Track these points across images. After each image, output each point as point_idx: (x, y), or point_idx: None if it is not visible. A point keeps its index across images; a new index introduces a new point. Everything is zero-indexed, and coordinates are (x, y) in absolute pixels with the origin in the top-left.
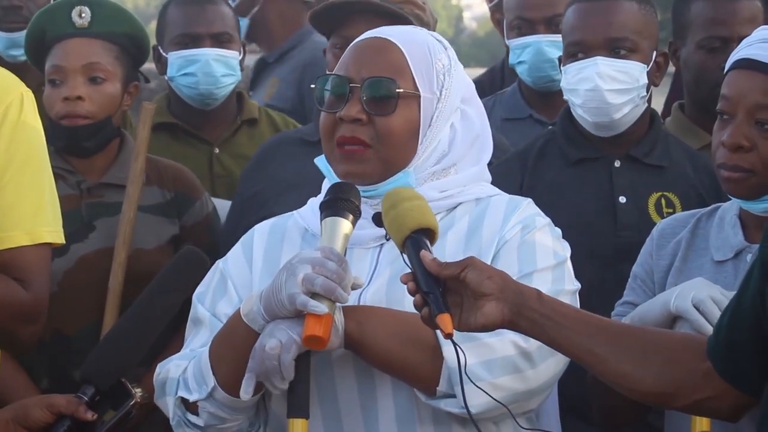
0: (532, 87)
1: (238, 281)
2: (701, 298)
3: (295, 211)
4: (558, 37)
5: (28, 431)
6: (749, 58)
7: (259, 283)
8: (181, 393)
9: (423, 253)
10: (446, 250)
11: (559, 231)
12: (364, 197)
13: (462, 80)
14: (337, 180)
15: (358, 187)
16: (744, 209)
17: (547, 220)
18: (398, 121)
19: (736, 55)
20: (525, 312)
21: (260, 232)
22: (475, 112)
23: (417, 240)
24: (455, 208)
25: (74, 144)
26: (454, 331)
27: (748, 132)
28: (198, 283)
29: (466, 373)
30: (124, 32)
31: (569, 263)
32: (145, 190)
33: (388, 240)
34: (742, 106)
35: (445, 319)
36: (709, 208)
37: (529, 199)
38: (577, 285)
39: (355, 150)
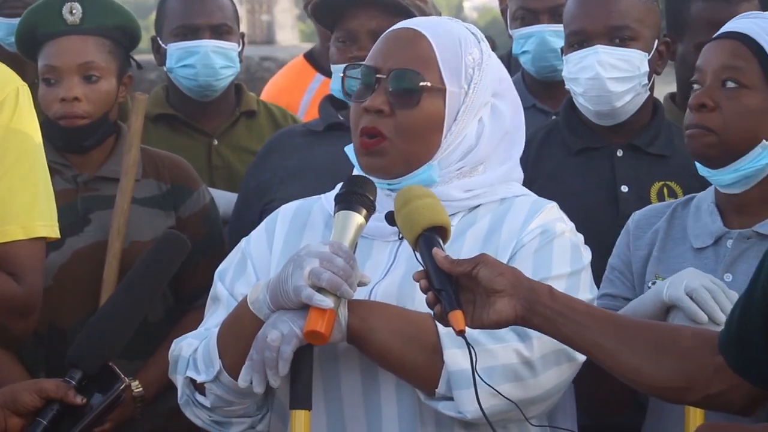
0: (535, 77)
1: (258, 262)
2: (694, 286)
3: (322, 195)
4: (562, 27)
5: (17, 416)
6: (721, 32)
7: (276, 266)
8: (190, 373)
9: (435, 250)
10: (464, 249)
11: (581, 237)
12: (388, 191)
13: (495, 74)
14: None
15: (381, 181)
16: (719, 194)
17: (570, 225)
18: (420, 114)
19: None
20: (537, 308)
21: (284, 214)
22: (508, 106)
23: (429, 238)
24: (477, 207)
25: (73, 144)
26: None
27: (715, 94)
28: (178, 265)
29: (477, 372)
30: (116, 25)
31: (588, 271)
32: (142, 182)
33: (401, 238)
34: (710, 71)
35: (457, 316)
36: (683, 198)
37: (554, 203)
38: (595, 293)
39: (373, 143)
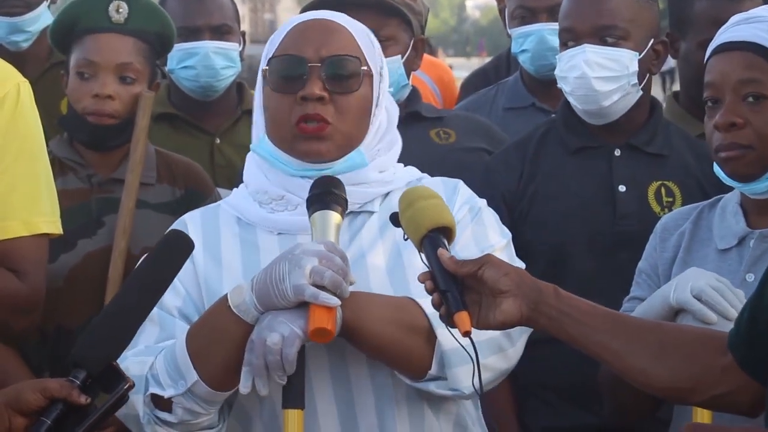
0: (534, 76)
1: (180, 273)
2: (701, 287)
3: (220, 201)
4: None
5: (21, 415)
6: (726, 41)
7: (204, 272)
8: (153, 390)
9: (440, 251)
10: (397, 235)
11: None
12: (302, 178)
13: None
14: (284, 164)
15: (311, 167)
16: (744, 196)
17: (484, 200)
18: (357, 98)
19: (713, 44)
20: (543, 308)
21: (192, 222)
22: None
23: (434, 238)
24: (389, 193)
25: (98, 141)
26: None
27: (739, 110)
28: (182, 265)
29: (473, 359)
30: (156, 31)
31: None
32: (156, 187)
33: (406, 240)
34: (728, 86)
35: (463, 317)
36: (711, 199)
37: (461, 180)
38: (523, 265)
39: (317, 128)
